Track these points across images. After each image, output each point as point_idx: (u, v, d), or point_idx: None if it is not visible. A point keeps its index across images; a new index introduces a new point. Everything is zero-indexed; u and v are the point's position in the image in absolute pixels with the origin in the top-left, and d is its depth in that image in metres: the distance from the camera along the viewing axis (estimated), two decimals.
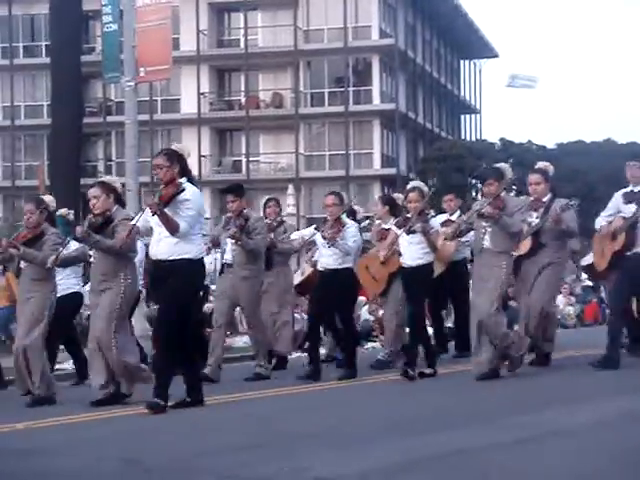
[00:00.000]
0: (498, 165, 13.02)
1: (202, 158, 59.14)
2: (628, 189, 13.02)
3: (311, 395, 12.68)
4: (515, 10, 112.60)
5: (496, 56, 76.32)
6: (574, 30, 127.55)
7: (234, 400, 12.43)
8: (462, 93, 76.67)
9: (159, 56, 24.18)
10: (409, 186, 13.95)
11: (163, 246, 10.76)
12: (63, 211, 14.91)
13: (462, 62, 76.79)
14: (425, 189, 13.70)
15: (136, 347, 12.62)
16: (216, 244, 15.35)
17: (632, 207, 12.56)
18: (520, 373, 12.95)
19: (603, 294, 27.38)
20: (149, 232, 11.32)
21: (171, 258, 10.69)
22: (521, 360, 12.90)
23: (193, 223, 10.76)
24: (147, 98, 50.07)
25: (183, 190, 10.64)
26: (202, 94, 60.82)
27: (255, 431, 9.83)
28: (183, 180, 10.78)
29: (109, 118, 54.06)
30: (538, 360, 13.81)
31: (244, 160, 60.26)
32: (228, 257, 14.30)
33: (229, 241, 14.08)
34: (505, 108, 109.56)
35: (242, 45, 61.40)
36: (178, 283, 10.73)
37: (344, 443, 8.75)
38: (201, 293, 15.51)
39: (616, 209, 12.99)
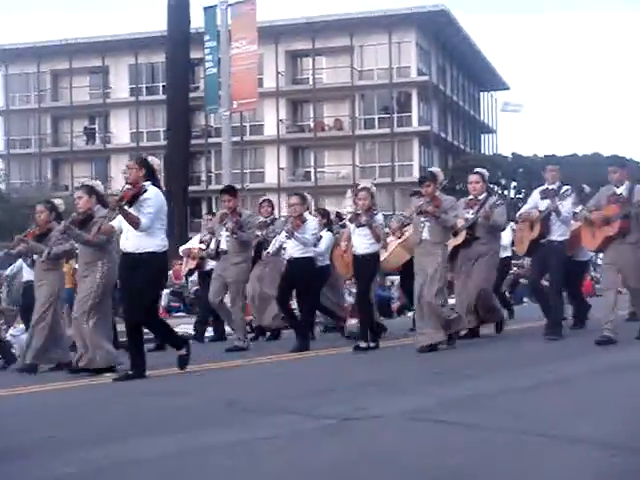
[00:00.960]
0: (432, 169, 12.64)
1: (280, 170, 59.53)
2: (544, 187, 12.61)
3: (350, 355, 12.28)
4: (524, 50, 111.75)
5: (507, 88, 75.82)
6: (563, 65, 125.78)
7: (285, 359, 12.28)
8: (482, 117, 76.16)
9: (248, 92, 24.46)
10: (359, 187, 13.44)
11: (131, 240, 10.06)
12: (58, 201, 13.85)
13: (481, 93, 76.33)
14: (373, 189, 13.03)
15: (110, 330, 11.84)
16: (211, 233, 15.14)
17: (546, 202, 12.18)
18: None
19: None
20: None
21: (137, 252, 10.00)
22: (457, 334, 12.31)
23: (153, 219, 9.98)
24: (238, 124, 50.02)
25: (145, 191, 9.98)
26: (280, 120, 60.85)
27: (323, 380, 9.86)
28: (147, 183, 10.10)
29: (210, 140, 54.20)
30: (496, 328, 13.61)
31: (313, 171, 60.28)
32: (223, 246, 13.96)
33: (224, 233, 13.78)
34: (516, 128, 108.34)
35: (311, 82, 61.48)
36: (143, 273, 9.99)
37: (392, 390, 8.77)
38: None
39: (534, 203, 12.51)
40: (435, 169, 12.54)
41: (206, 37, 24.86)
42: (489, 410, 7.40)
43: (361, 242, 12.51)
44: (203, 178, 59.89)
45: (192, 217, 42.01)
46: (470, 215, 12.62)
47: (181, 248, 17.46)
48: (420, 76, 60.14)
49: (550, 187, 12.45)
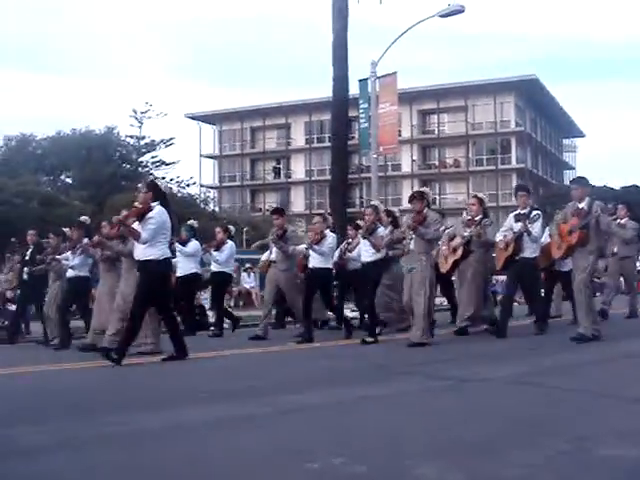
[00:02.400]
0: (422, 189, 11.18)
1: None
2: (517, 212, 11.19)
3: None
4: (597, 105, 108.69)
5: (583, 135, 73.71)
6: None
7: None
8: (563, 157, 74.27)
9: (390, 140, 24.50)
10: (366, 205, 12.60)
11: (138, 250, 9.13)
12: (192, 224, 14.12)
13: (564, 140, 74.43)
14: (380, 207, 12.02)
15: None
16: (264, 247, 14.25)
17: (519, 225, 10.82)
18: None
19: None
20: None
21: (142, 259, 9.03)
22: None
23: (153, 234, 8.90)
24: (382, 163, 50.00)
25: (150, 210, 9.00)
26: (413, 160, 60.75)
27: (444, 352, 9.71)
28: (155, 203, 9.07)
29: (362, 175, 54.30)
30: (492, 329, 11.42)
31: (437, 198, 59.88)
32: (273, 256, 12.69)
33: (273, 246, 12.49)
34: (591, 166, 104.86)
35: (436, 132, 61.18)
36: (145, 277, 9.03)
37: (499, 360, 8.57)
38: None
39: (509, 226, 11.08)
40: (424, 189, 11.23)
41: (360, 101, 25.18)
42: (572, 376, 7.18)
43: (365, 251, 11.32)
44: (357, 202, 60.14)
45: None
46: (467, 233, 11.41)
47: None
48: (517, 127, 59.17)
49: (522, 212, 11.08)
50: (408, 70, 77.73)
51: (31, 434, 4.86)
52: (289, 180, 65.21)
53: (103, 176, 44.62)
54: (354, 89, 25.70)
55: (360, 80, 24.95)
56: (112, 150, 48.45)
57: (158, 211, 9.04)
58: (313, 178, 62.39)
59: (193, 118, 66.13)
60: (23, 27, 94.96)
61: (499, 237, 11.11)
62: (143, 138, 48.84)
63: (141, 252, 9.05)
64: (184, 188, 49.15)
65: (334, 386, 6.90)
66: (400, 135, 45.62)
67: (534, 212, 11.01)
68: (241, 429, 4.99)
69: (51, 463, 4.15)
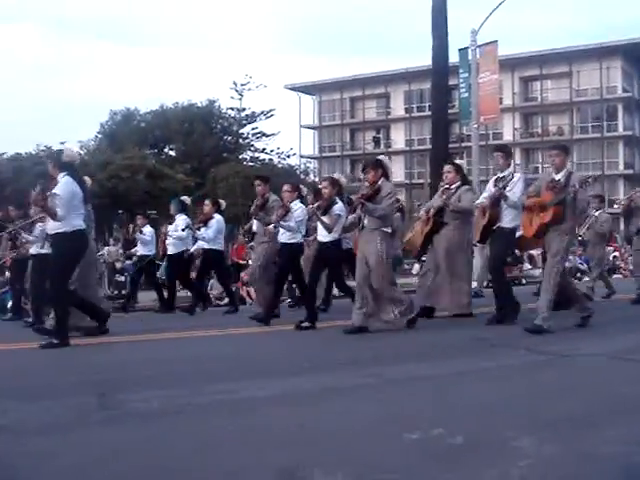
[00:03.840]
0: (380, 157, 9.84)
1: (515, 166, 58.30)
2: (497, 175, 9.68)
3: None
4: None
5: None
6: None
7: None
8: None
9: (491, 109, 24.24)
10: (323, 178, 10.82)
11: (49, 223, 8.61)
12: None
13: None
14: (342, 179, 10.78)
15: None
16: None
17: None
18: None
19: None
20: None
21: (52, 232, 8.59)
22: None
23: (65, 209, 8.31)
24: (484, 132, 49.21)
25: (56, 184, 8.50)
26: (515, 129, 59.54)
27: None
28: (60, 175, 8.54)
29: (463, 144, 53.58)
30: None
31: (540, 167, 58.62)
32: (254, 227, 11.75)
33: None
34: None
35: (539, 100, 59.77)
36: (56, 251, 8.59)
37: (599, 336, 8.48)
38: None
39: (489, 191, 9.64)
40: (383, 157, 9.94)
41: (460, 70, 25.00)
42: None
43: (321, 230, 10.05)
44: None
45: None
46: (436, 203, 10.33)
47: None
48: (625, 93, 57.14)
49: (501, 175, 9.59)
50: (509, 36, 76.14)
51: (143, 400, 5.13)
52: (389, 150, 64.85)
53: (205, 148, 45.46)
54: (454, 57, 25.44)
55: (460, 49, 24.72)
56: (214, 123, 49.22)
57: (63, 184, 8.52)
58: (413, 148, 62.00)
59: (293, 89, 66.45)
60: (129, 3, 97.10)
61: (478, 201, 9.84)
62: (244, 110, 49.37)
63: (51, 225, 8.59)
64: (284, 159, 49.55)
65: (436, 359, 6.98)
66: (501, 103, 44.71)
67: (516, 175, 9.57)
68: (344, 399, 5.14)
69: (162, 427, 4.39)
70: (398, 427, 4.18)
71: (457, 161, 11.19)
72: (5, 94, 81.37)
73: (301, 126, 67.66)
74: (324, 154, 67.32)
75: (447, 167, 10.76)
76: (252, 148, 49.23)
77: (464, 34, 24.55)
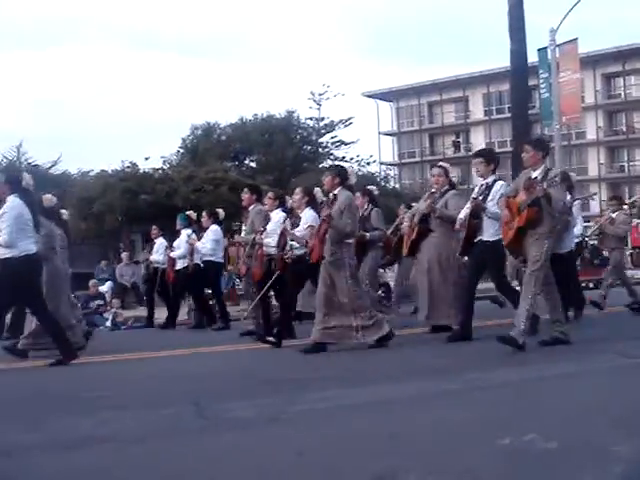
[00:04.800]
0: (337, 163, 9.18)
1: (600, 165, 57.15)
2: (482, 183, 8.76)
3: None
4: None
5: None
6: None
7: None
8: None
9: (573, 109, 23.95)
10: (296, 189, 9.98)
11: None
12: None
13: None
14: (317, 192, 9.55)
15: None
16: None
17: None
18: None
19: None
20: None
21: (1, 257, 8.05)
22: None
23: (11, 231, 7.92)
24: (565, 132, 48.32)
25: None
26: (599, 127, 58.33)
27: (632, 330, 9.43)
28: (10, 197, 8.13)
29: None
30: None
31: (626, 164, 57.32)
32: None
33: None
34: None
35: (622, 96, 58.41)
36: (3, 276, 8.07)
37: None
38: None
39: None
40: (345, 165, 9.03)
41: (540, 70, 24.70)
42: None
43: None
44: None
45: None
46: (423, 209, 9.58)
47: None
48: None
49: (483, 182, 8.73)
50: (589, 33, 74.61)
51: (240, 409, 5.26)
52: (469, 153, 64.35)
53: (285, 159, 45.85)
54: (533, 57, 25.18)
55: (539, 49, 24.44)
56: (293, 133, 49.59)
57: (10, 203, 8.12)
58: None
59: (370, 96, 66.53)
60: (206, 17, 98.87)
61: (461, 215, 8.83)
62: (322, 119, 49.60)
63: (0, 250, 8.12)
64: (364, 166, 49.57)
65: (519, 364, 6.93)
66: (583, 102, 43.94)
67: (499, 183, 8.63)
68: (431, 405, 5.18)
69: (259, 435, 4.49)
70: (489, 433, 4.19)
71: (442, 164, 10.42)
72: (89, 111, 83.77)
73: (380, 133, 67.71)
74: (403, 160, 67.17)
75: (435, 170, 9.92)
76: (332, 157, 49.38)
77: (543, 33, 24.42)
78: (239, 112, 77.13)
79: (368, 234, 10.80)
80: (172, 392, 6.35)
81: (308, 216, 9.28)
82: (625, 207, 12.88)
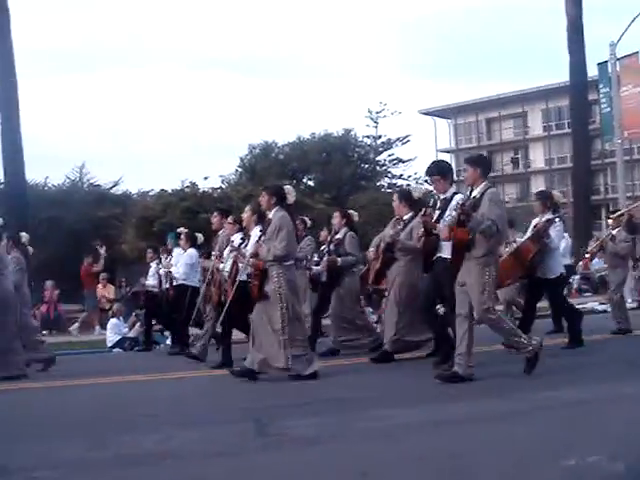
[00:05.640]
0: (280, 184, 8.78)
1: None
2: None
3: None
4: None
5: None
6: None
7: None
8: None
9: (635, 123, 23.52)
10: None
11: None
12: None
13: None
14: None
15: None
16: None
17: (450, 213, 7.60)
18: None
19: None
20: None
21: None
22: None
23: None
24: (628, 146, 47.58)
25: None
26: None
27: None
28: None
29: (606, 160, 51.99)
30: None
31: None
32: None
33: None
34: None
35: None
36: None
37: None
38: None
39: (450, 217, 7.65)
40: (283, 184, 8.97)
41: (600, 84, 24.35)
42: None
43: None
44: (601, 189, 57.65)
45: (593, 219, 40.71)
46: (388, 238, 9.25)
47: None
48: None
49: (442, 197, 8.18)
50: None
51: (300, 427, 5.29)
52: (528, 170, 63.77)
53: (343, 177, 45.99)
54: (592, 72, 24.89)
55: (599, 63, 24.12)
56: (350, 151, 49.75)
57: None
58: (553, 167, 60.63)
59: (427, 114, 66.44)
60: (262, 38, 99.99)
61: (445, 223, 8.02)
62: (379, 137, 49.64)
63: None
64: (422, 184, 49.44)
65: (587, 382, 6.83)
66: None
67: (456, 197, 7.89)
68: (499, 424, 5.16)
69: (321, 453, 4.53)
70: (554, 454, 4.14)
71: (403, 188, 9.90)
72: (149, 132, 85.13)
73: (437, 150, 67.46)
74: (462, 177, 66.73)
75: (395, 196, 9.69)
76: (389, 175, 49.41)
77: (603, 47, 24.08)
78: (297, 131, 77.80)
79: (340, 259, 10.33)
80: (232, 409, 6.41)
81: (255, 235, 8.55)
82: (609, 221, 12.34)
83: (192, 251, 12.45)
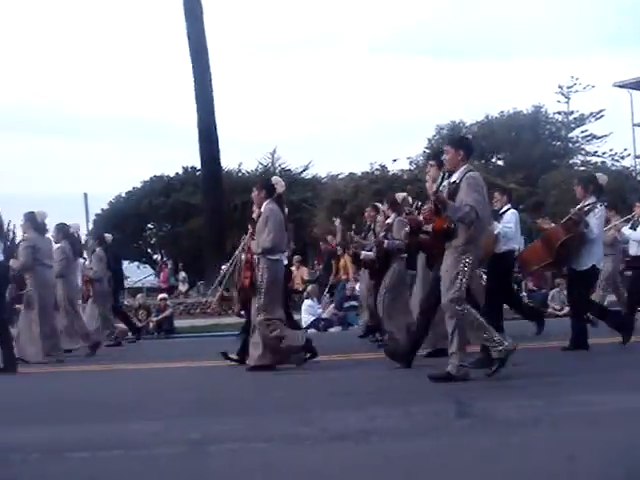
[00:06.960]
0: (273, 178, 8.81)
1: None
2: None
3: None
4: None
5: None
6: None
7: None
8: None
9: None
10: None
11: None
12: None
13: None
14: (398, 196, 10.35)
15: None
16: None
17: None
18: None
19: None
20: None
21: None
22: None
23: None
24: None
25: None
26: None
27: None
28: None
29: None
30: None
31: None
32: None
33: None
34: None
35: None
36: None
37: None
38: None
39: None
40: (275, 178, 8.89)
41: None
42: None
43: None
44: None
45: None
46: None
47: None
48: None
49: (452, 179, 7.31)
50: None
51: (502, 409, 5.26)
52: None
53: (533, 156, 44.87)
54: None
55: None
56: (541, 129, 48.45)
57: None
58: None
59: (622, 86, 63.20)
60: (453, 19, 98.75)
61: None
62: (571, 113, 48.01)
63: None
64: (618, 161, 47.34)
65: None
66: None
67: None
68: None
69: (524, 436, 4.47)
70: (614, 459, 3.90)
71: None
72: (334, 115, 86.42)
73: (634, 125, 64.09)
74: None
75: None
76: (583, 152, 47.68)
77: None
78: (485, 110, 76.59)
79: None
80: (431, 390, 6.50)
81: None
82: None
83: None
